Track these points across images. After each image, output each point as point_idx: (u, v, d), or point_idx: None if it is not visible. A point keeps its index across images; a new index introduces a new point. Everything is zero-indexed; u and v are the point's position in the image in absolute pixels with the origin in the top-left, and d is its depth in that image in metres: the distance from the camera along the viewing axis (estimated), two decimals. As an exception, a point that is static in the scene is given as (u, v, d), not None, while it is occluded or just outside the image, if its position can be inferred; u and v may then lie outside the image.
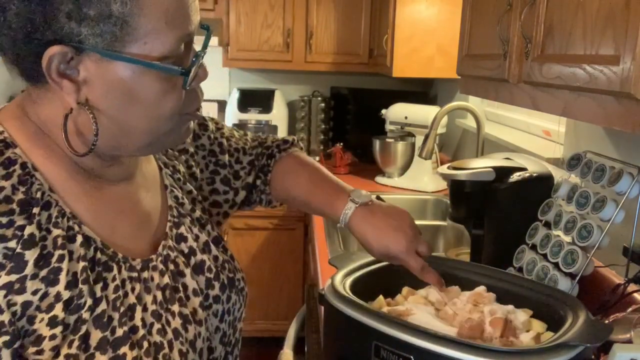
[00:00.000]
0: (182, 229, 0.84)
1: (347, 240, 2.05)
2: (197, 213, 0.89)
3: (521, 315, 0.93)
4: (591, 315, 0.88)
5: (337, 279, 0.98)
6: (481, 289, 1.02)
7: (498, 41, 1.23)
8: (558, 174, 1.31)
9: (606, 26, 0.85)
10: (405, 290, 1.03)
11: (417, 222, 0.99)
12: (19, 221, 0.64)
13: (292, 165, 1.04)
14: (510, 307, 0.96)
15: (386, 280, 1.03)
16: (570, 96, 0.97)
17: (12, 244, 0.63)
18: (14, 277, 0.63)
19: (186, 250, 0.83)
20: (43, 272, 0.65)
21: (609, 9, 0.84)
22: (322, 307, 0.99)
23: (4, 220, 0.63)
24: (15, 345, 0.63)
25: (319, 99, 3.43)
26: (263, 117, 3.26)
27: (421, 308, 0.96)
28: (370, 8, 3.22)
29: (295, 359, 1.24)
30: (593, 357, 0.97)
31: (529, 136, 2.23)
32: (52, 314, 0.65)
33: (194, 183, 0.94)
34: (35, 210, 0.67)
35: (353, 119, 3.38)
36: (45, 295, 0.65)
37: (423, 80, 3.45)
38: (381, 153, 2.78)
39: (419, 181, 2.65)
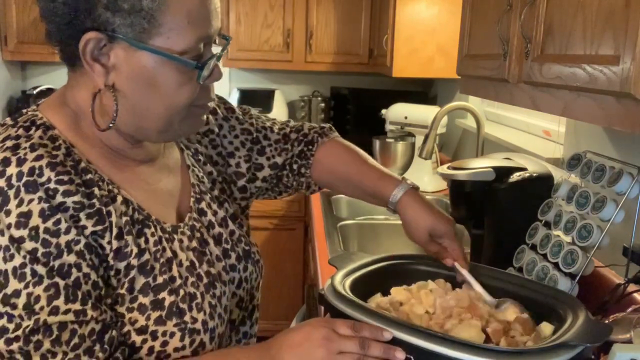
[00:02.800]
0: (203, 204, 0.94)
1: (347, 241, 2.05)
2: (216, 192, 0.98)
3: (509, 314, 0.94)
4: (591, 315, 0.88)
5: (336, 279, 0.98)
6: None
7: (498, 41, 1.23)
8: (558, 174, 1.31)
9: (606, 26, 0.85)
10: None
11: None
12: (77, 180, 0.75)
13: (338, 149, 1.13)
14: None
15: (386, 280, 1.04)
16: (570, 96, 0.97)
17: (77, 197, 0.74)
18: (99, 228, 0.75)
19: (206, 223, 0.93)
20: (99, 227, 0.76)
21: (608, 9, 0.84)
22: (322, 307, 0.99)
23: (66, 178, 0.74)
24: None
25: (319, 99, 3.43)
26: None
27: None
28: (370, 8, 3.23)
29: (295, 359, 1.23)
30: (593, 357, 0.97)
31: (529, 136, 2.23)
32: (106, 260, 0.77)
33: (221, 162, 1.04)
34: (83, 174, 0.77)
35: (353, 119, 3.38)
36: (102, 246, 0.76)
37: (423, 80, 3.46)
38: (381, 153, 2.78)
39: (419, 181, 2.60)
